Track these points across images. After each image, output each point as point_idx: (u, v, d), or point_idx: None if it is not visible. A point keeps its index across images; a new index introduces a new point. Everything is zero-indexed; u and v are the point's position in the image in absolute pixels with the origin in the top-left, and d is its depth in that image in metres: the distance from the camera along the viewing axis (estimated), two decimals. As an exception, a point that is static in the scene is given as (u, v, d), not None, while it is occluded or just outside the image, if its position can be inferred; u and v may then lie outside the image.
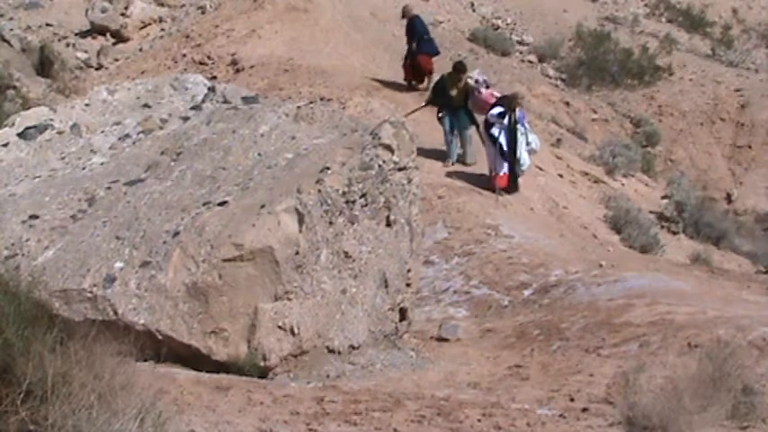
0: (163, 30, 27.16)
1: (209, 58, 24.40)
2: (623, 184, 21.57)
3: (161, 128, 10.56)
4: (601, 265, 13.76)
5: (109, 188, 9.67)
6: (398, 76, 22.36)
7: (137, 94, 11.11)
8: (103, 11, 27.25)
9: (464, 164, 18.37)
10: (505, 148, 17.26)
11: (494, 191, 17.19)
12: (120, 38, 27.02)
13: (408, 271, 10.12)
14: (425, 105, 19.43)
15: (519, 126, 17.42)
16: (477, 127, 18.38)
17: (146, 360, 7.98)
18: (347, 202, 9.33)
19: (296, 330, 8.90)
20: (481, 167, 17.98)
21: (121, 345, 6.39)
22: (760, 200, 26.03)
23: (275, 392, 7.99)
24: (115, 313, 8.63)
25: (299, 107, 10.62)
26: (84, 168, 10.09)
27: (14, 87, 22.14)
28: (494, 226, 15.60)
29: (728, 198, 26.41)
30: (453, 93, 18.43)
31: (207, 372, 8.45)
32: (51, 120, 10.72)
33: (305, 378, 8.89)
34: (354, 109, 19.90)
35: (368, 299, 9.57)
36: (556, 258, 14.05)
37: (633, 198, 20.57)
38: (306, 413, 7.50)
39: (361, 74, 22.90)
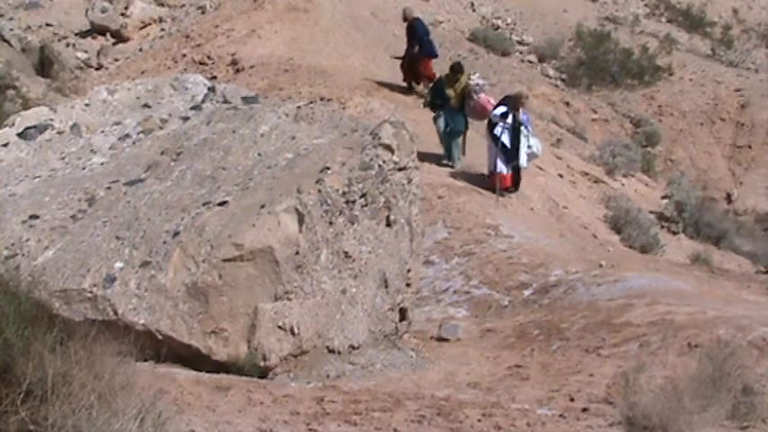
0: (163, 30, 27.16)
1: (209, 58, 24.40)
2: (623, 184, 21.57)
3: (161, 128, 10.56)
4: (601, 265, 13.76)
5: (109, 188, 9.67)
6: (398, 76, 22.39)
7: (137, 94, 11.11)
8: (103, 11, 27.25)
9: (451, 167, 18.37)
10: (508, 147, 17.26)
11: (494, 191, 17.19)
12: (120, 38, 27.02)
13: (408, 271, 10.12)
14: (424, 107, 19.46)
15: (522, 128, 17.41)
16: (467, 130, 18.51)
17: (146, 360, 7.97)
18: (347, 202, 9.33)
19: (296, 330, 8.90)
20: (481, 167, 17.98)
21: (121, 345, 6.39)
22: (760, 200, 26.03)
23: (275, 392, 7.99)
24: (115, 313, 8.63)
25: (299, 107, 10.62)
26: (84, 168, 10.09)
27: (14, 87, 22.13)
28: (494, 226, 15.61)
29: (728, 198, 26.41)
30: (451, 93, 18.44)
31: (207, 372, 8.45)
32: (51, 120, 10.71)
33: (305, 378, 8.89)
34: (354, 109, 19.91)
35: (368, 299, 9.57)
36: (556, 258, 14.06)
37: (633, 198, 20.57)
38: (306, 413, 7.50)
39: (361, 74, 22.91)
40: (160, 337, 8.63)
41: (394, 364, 9.60)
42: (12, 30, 25.95)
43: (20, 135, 10.50)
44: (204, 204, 9.22)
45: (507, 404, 8.20)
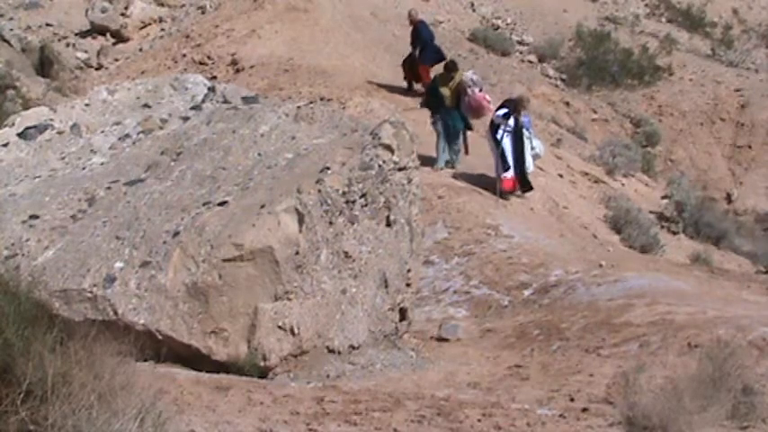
0: (163, 30, 27.16)
1: (209, 58, 24.40)
2: (623, 184, 21.55)
3: (161, 128, 10.56)
4: (601, 265, 13.76)
5: (109, 188, 9.67)
6: (398, 76, 22.39)
7: (137, 94, 11.11)
8: (103, 11, 27.26)
9: (452, 167, 18.34)
10: (510, 150, 17.24)
11: (497, 194, 17.15)
12: (120, 38, 27.03)
13: (408, 271, 10.12)
14: (421, 107, 19.44)
15: (524, 131, 17.40)
16: (469, 129, 18.42)
17: (146, 360, 7.97)
18: (347, 202, 9.33)
19: (296, 330, 8.90)
20: (481, 167, 17.97)
21: (121, 345, 6.39)
22: (760, 200, 26.02)
23: (275, 392, 7.99)
24: (115, 313, 8.63)
25: (299, 107, 10.62)
26: (84, 168, 10.09)
27: (14, 87, 22.13)
28: (494, 226, 15.60)
29: (728, 198, 26.40)
30: (446, 92, 18.41)
31: (207, 372, 8.45)
32: (51, 120, 10.71)
33: (305, 378, 8.88)
34: (354, 109, 19.91)
35: (368, 299, 9.57)
36: (556, 258, 14.05)
37: (633, 198, 20.55)
38: (306, 413, 7.50)
39: (361, 74, 22.91)
40: (160, 337, 8.63)
41: (394, 364, 9.60)
42: (12, 30, 25.95)
43: (20, 135, 10.50)
44: (204, 204, 9.22)
45: (507, 404, 8.20)
